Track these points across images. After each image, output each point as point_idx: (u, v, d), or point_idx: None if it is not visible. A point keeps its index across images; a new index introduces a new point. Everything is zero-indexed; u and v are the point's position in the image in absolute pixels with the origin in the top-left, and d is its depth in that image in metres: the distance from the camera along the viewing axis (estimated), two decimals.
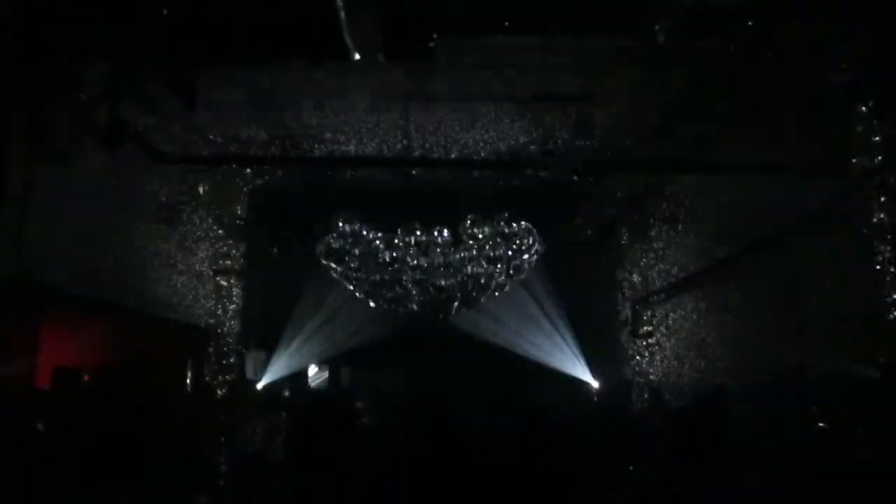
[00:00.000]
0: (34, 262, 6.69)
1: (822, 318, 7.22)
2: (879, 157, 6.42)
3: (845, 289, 6.87)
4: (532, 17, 6.85)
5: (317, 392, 13.85)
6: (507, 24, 6.97)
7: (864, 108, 6.56)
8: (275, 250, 13.30)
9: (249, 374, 12.79)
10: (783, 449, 7.83)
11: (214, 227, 11.98)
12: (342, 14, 6.33)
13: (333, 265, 10.19)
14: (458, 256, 9.73)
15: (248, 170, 12.17)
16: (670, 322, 11.61)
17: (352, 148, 10.94)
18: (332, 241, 9.92)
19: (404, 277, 10.00)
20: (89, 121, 7.06)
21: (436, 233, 9.63)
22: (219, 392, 10.77)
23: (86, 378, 6.71)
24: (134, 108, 7.57)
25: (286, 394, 13.08)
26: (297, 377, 13.74)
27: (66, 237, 7.36)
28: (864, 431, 6.32)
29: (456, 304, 10.44)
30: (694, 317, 10.63)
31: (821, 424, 6.55)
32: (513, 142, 10.54)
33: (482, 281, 10.14)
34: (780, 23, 6.59)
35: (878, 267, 6.45)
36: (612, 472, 9.02)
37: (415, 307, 10.46)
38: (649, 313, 12.48)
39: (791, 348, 7.77)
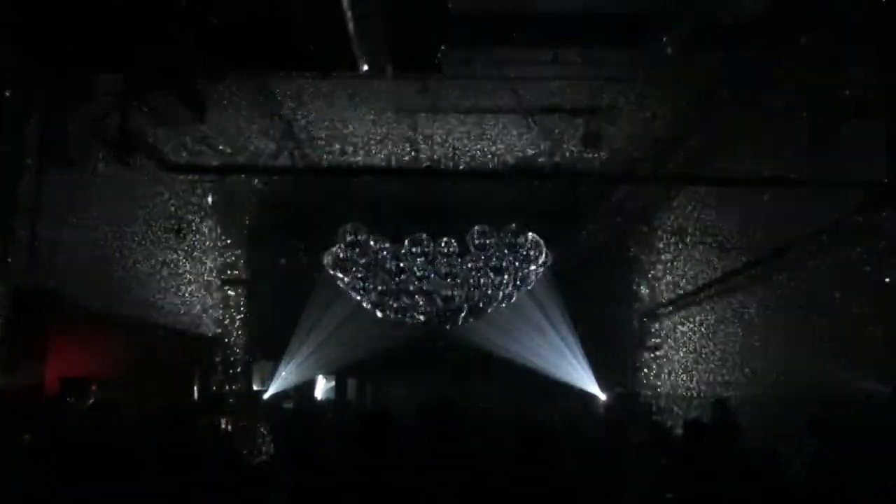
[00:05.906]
0: (45, 272, 6.72)
1: (833, 332, 7.17)
2: (889, 171, 6.40)
3: (858, 304, 6.82)
4: (542, 29, 6.88)
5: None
6: (515, 35, 7.00)
7: (872, 122, 6.54)
8: (282, 260, 13.32)
9: (257, 384, 12.80)
10: (791, 464, 7.76)
11: (223, 237, 12.02)
12: (351, 26, 6.36)
13: (340, 275, 10.19)
14: (464, 267, 9.71)
15: (257, 180, 12.23)
16: (678, 334, 11.57)
17: (360, 158, 10.98)
18: (339, 251, 9.93)
19: (411, 288, 9.99)
20: (100, 131, 7.10)
21: (443, 243, 9.63)
22: (226, 402, 10.75)
23: (93, 388, 6.72)
24: (144, 118, 7.62)
25: (292, 404, 13.09)
26: (304, 387, 13.74)
27: (76, 247, 7.40)
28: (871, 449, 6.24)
29: (462, 314, 10.41)
30: (703, 329, 10.58)
31: (826, 440, 6.45)
32: (521, 153, 10.55)
33: (489, 291, 10.12)
34: (790, 38, 6.59)
35: (887, 280, 6.41)
36: (616, 485, 8.95)
37: (421, 317, 10.45)
38: (657, 325, 12.44)
39: (801, 362, 7.73)
